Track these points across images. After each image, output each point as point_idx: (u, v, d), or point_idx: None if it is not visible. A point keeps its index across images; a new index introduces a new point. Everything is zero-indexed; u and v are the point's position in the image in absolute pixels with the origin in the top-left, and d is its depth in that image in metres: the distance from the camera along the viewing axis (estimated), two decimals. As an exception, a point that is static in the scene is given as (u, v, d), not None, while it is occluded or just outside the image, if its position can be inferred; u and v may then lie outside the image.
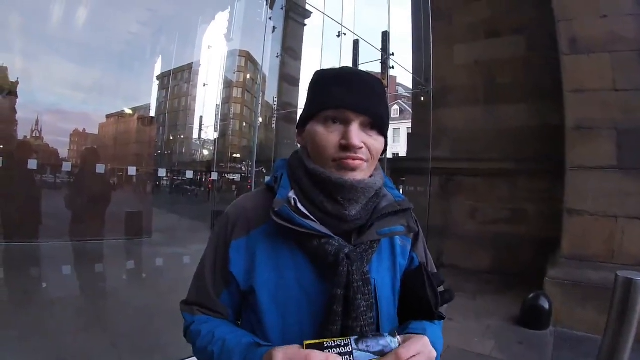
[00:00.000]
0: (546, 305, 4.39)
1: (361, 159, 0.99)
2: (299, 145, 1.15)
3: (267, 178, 1.18)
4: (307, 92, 1.12)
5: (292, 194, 1.02)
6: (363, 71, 1.13)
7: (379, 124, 1.03)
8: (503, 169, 6.69)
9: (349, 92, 1.00)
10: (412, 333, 0.98)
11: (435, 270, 1.21)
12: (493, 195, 6.88)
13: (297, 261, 1.01)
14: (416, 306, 1.10)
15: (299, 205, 1.00)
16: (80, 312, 4.31)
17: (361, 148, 0.99)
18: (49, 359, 3.19)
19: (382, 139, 1.05)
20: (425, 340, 0.94)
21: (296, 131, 1.16)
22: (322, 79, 1.08)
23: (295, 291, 1.00)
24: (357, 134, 0.98)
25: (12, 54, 5.52)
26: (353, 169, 0.99)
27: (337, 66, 1.18)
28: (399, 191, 1.19)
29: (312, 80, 1.11)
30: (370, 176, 1.06)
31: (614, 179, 4.50)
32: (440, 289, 1.13)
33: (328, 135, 1.00)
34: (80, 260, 5.15)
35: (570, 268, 4.57)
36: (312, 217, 0.99)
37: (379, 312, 1.03)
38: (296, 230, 0.97)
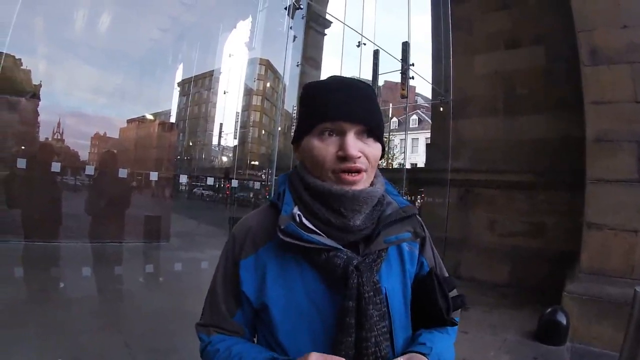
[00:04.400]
0: (563, 321, 4.28)
1: (360, 169, 0.99)
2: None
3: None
4: (299, 106, 1.14)
5: (296, 210, 1.02)
6: (352, 79, 1.13)
7: (375, 131, 1.03)
8: (522, 181, 6.62)
9: (341, 103, 1.00)
10: (416, 351, 1.00)
11: (446, 274, 1.21)
12: (512, 207, 6.79)
13: (306, 275, 1.01)
14: (427, 312, 1.10)
15: (304, 220, 1.00)
16: (96, 313, 4.36)
17: (359, 157, 0.99)
18: (64, 358, 3.23)
19: (378, 145, 1.05)
20: None
21: (292, 146, 1.15)
22: (312, 92, 1.08)
23: (305, 305, 1.00)
24: (354, 144, 0.98)
25: (35, 58, 5.66)
26: (352, 184, 0.99)
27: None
28: (408, 200, 1.19)
29: (302, 94, 1.12)
30: (371, 184, 1.06)
31: (635, 193, 4.40)
32: (454, 293, 1.14)
33: (325, 148, 1.00)
34: (98, 261, 5.22)
35: (589, 283, 4.48)
36: (318, 231, 0.99)
37: (392, 321, 1.03)
38: (304, 246, 0.97)
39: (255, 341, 1.13)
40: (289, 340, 1.00)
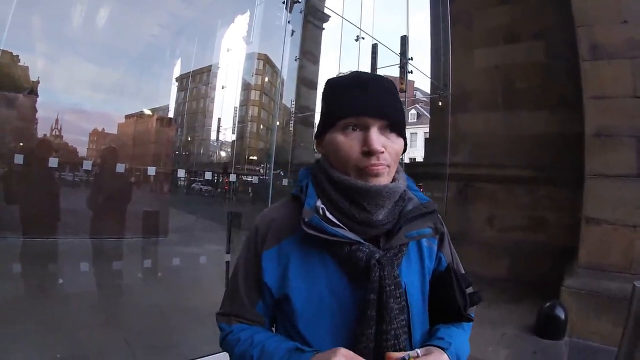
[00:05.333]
0: (562, 315, 4.30)
1: (383, 165, 1.00)
2: (316, 150, 1.17)
3: (293, 186, 1.20)
4: (321, 102, 1.13)
5: (319, 203, 1.04)
6: (375, 74, 1.15)
7: (398, 126, 1.04)
8: (522, 175, 6.60)
9: (365, 98, 1.01)
10: (436, 345, 1.03)
11: (463, 270, 1.25)
12: (511, 202, 6.78)
13: (328, 268, 1.03)
14: (445, 308, 1.13)
15: (328, 213, 1.02)
16: (95, 309, 4.37)
17: (382, 152, 1.00)
18: (63, 355, 3.23)
19: (401, 141, 1.06)
20: (444, 358, 0.99)
21: (315, 141, 1.17)
22: (336, 87, 1.09)
23: (327, 298, 1.02)
24: (377, 139, 0.99)
25: (33, 54, 5.64)
26: (376, 175, 1.00)
27: (355, 70, 1.20)
28: None
29: (325, 89, 1.13)
30: (394, 180, 1.07)
31: (634, 188, 4.40)
32: (469, 290, 1.17)
33: (349, 143, 1.01)
34: (97, 257, 5.21)
35: (587, 278, 4.49)
36: (341, 225, 1.01)
37: (410, 315, 1.05)
38: (327, 239, 0.99)
39: (274, 331, 1.15)
40: (309, 331, 1.02)
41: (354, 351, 0.92)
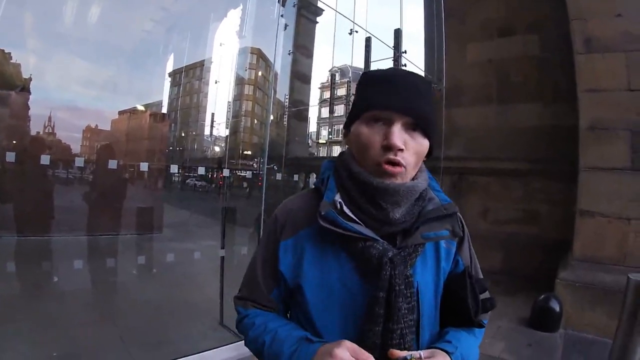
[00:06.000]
0: (557, 308, 4.32)
1: (399, 162, 0.99)
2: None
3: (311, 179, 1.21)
4: (354, 94, 1.16)
5: (338, 197, 1.04)
6: (409, 72, 1.14)
7: (423, 125, 1.02)
8: (516, 169, 6.60)
9: (393, 93, 1.00)
10: (441, 348, 1.02)
11: (481, 275, 1.25)
12: (505, 195, 6.79)
13: (342, 262, 1.04)
14: (456, 311, 1.11)
15: (345, 208, 1.02)
16: (90, 306, 4.35)
17: (402, 150, 0.98)
18: (59, 352, 3.22)
19: (425, 141, 1.04)
20: None
21: (343, 131, 1.18)
22: (367, 80, 1.09)
23: (338, 290, 1.03)
24: (399, 135, 0.98)
25: (25, 51, 5.60)
26: (391, 176, 0.99)
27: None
28: None
29: (358, 81, 1.13)
30: (414, 178, 1.06)
31: (628, 181, 4.43)
32: (485, 295, 1.16)
33: (371, 136, 1.01)
34: (91, 254, 5.20)
35: (582, 270, 4.51)
36: (357, 220, 1.01)
37: (421, 315, 1.05)
38: (342, 233, 0.99)
39: (289, 317, 1.18)
40: (320, 322, 1.04)
41: (360, 346, 0.92)
